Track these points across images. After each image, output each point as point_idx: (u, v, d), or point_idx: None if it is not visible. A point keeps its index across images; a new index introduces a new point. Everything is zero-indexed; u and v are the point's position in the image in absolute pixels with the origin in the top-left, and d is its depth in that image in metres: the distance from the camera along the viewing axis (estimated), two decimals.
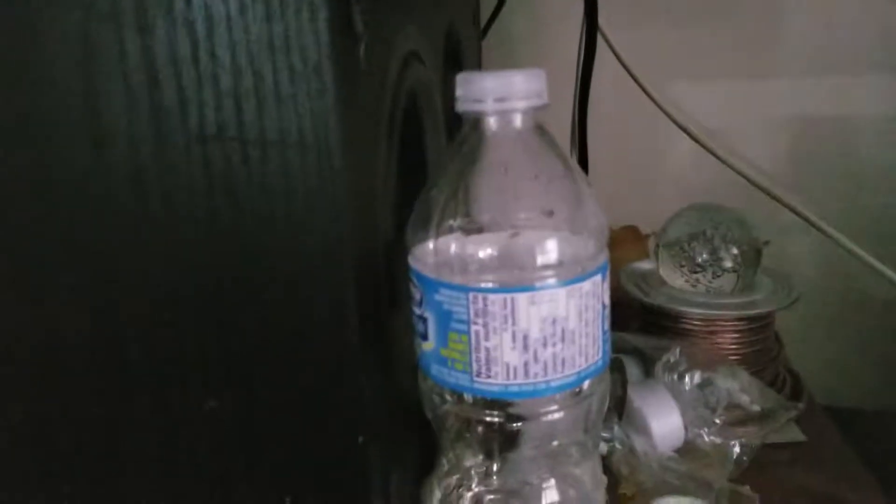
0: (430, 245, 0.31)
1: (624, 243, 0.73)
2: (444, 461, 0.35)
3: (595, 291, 0.30)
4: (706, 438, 0.49)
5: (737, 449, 0.47)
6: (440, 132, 0.48)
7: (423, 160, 0.44)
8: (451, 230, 0.31)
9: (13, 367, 0.33)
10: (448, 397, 0.32)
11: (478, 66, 0.75)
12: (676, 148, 0.83)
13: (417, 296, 0.32)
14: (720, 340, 0.55)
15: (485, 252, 0.30)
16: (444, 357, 0.31)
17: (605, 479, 0.36)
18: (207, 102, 0.28)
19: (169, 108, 0.29)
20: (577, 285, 0.29)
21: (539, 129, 0.31)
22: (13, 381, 0.34)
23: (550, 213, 0.30)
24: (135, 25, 0.28)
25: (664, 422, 0.48)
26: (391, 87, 0.36)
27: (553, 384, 0.30)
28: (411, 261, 0.32)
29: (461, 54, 0.60)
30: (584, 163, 0.77)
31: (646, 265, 0.64)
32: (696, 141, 0.74)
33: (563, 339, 0.30)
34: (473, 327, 0.30)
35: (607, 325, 0.31)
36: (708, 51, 0.82)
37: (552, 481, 0.33)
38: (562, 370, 0.30)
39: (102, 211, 0.30)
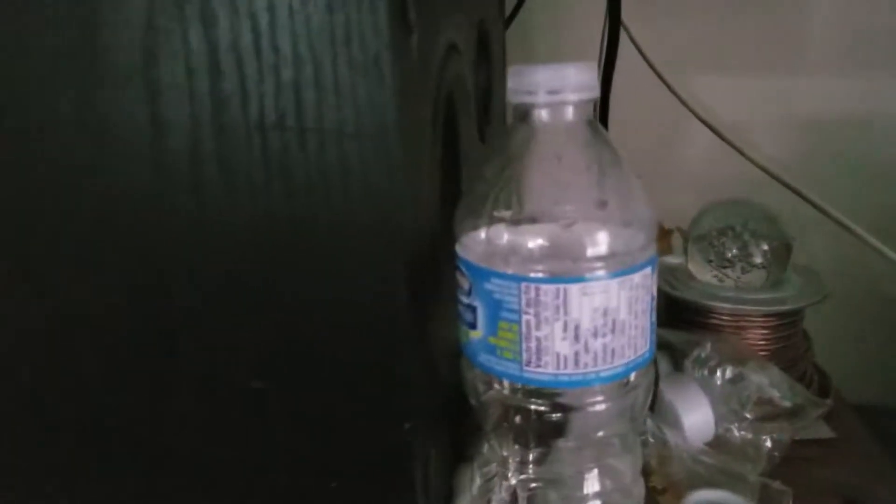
0: (481, 234, 0.31)
1: None
2: (485, 449, 0.36)
3: (644, 283, 0.30)
4: (736, 433, 0.49)
5: (768, 444, 0.47)
6: (472, 122, 0.48)
7: (458, 149, 0.45)
8: (502, 220, 0.31)
9: (68, 341, 0.34)
10: (495, 385, 0.33)
11: (503, 59, 0.75)
12: (699, 143, 0.82)
13: (466, 285, 0.32)
14: (749, 336, 0.56)
15: (537, 242, 0.30)
16: (492, 345, 0.31)
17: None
18: (268, 92, 0.29)
19: (230, 98, 0.29)
20: (628, 277, 0.30)
21: (590, 122, 0.31)
22: (68, 356, 0.34)
23: (603, 205, 0.30)
24: (198, 15, 0.28)
25: (695, 415, 0.48)
26: (436, 77, 0.36)
27: (603, 375, 0.30)
28: (460, 250, 0.32)
29: (490, 47, 0.60)
30: None
31: (673, 260, 0.64)
32: (719, 136, 0.74)
33: (613, 331, 0.30)
34: (524, 317, 0.30)
35: (654, 317, 0.32)
36: (731, 46, 0.82)
37: (594, 472, 0.33)
38: (611, 361, 0.30)
39: (162, 195, 0.31)
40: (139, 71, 0.29)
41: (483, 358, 0.32)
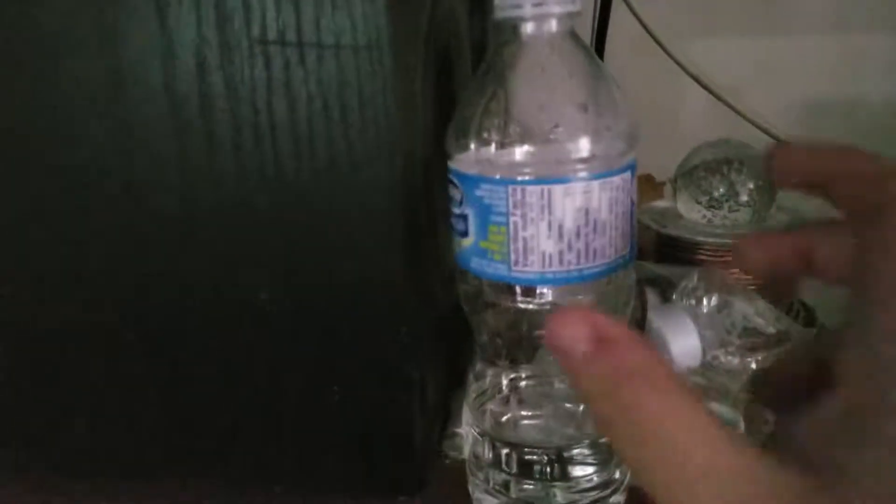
0: (472, 146, 0.33)
1: (640, 191, 0.74)
2: (478, 357, 0.38)
3: (624, 186, 0.32)
4: (723, 359, 0.50)
5: (753, 366, 0.48)
6: (466, 63, 0.50)
7: (452, 78, 0.46)
8: (491, 130, 0.33)
9: (82, 275, 0.36)
10: (486, 288, 0.35)
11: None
12: (692, 103, 0.84)
13: (458, 196, 0.34)
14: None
15: (523, 147, 0.32)
16: (483, 249, 0.33)
17: None
18: (269, 8, 0.31)
19: (233, 14, 0.31)
20: (609, 179, 0.31)
21: (573, 35, 0.33)
22: (85, 287, 0.37)
23: (584, 108, 0.32)
24: None
25: (682, 341, 0.49)
26: (428, 4, 0.38)
27: (585, 272, 0.32)
28: (452, 164, 0.34)
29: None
30: None
31: (662, 203, 0.66)
32: (712, 93, 0.75)
33: (595, 230, 0.32)
34: (512, 218, 0.32)
35: (635, 222, 0.33)
36: (726, 5, 0.83)
37: None
38: (593, 259, 0.32)
39: (174, 112, 0.33)
40: None
41: (475, 263, 0.34)
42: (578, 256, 0.32)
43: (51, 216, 0.36)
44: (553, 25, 0.32)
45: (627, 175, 0.32)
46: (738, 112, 0.75)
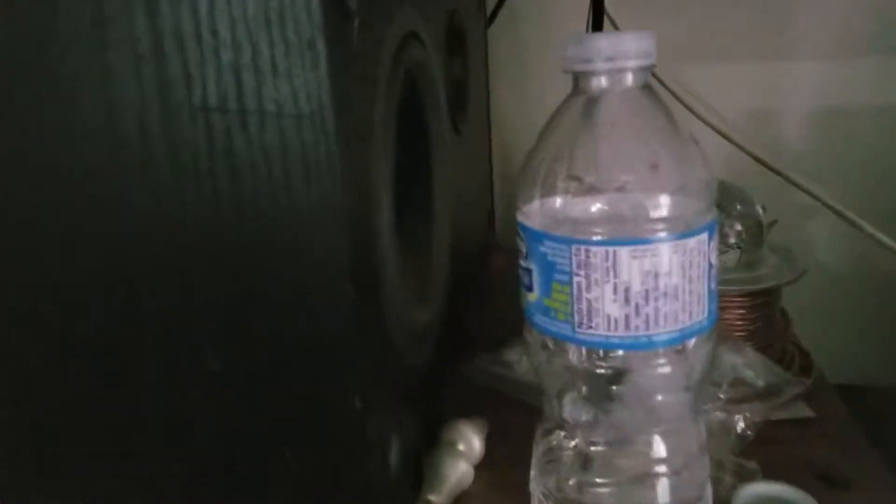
0: (537, 199, 0.32)
1: None
2: (546, 415, 0.36)
3: (700, 248, 0.31)
4: (709, 414, 0.49)
5: (741, 424, 0.47)
6: (442, 111, 0.49)
7: (426, 137, 0.46)
8: (556, 185, 0.31)
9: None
10: (551, 346, 0.33)
11: (483, 52, 0.75)
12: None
13: (523, 249, 0.33)
14: (726, 316, 0.57)
15: (589, 205, 0.31)
16: (546, 306, 0.32)
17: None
18: (210, 76, 0.29)
19: (174, 81, 0.30)
20: (681, 241, 0.30)
21: (647, 89, 0.32)
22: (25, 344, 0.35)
23: (655, 167, 0.31)
24: (143, 2, 0.29)
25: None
26: (387, 63, 0.37)
27: (655, 339, 0.31)
28: (519, 216, 0.33)
29: (465, 39, 0.61)
30: None
31: None
32: (706, 123, 0.75)
33: (665, 295, 0.31)
34: (576, 278, 0.31)
35: (714, 285, 0.32)
36: (718, 34, 0.82)
37: (656, 437, 0.34)
38: (664, 325, 0.31)
39: (114, 171, 0.31)
40: (93, 54, 0.30)
41: (538, 319, 0.32)
42: (647, 321, 0.31)
43: None
44: (627, 80, 0.31)
45: (704, 236, 0.31)
46: (731, 141, 0.74)
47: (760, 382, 0.53)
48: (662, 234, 0.30)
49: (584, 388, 0.33)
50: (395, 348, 0.37)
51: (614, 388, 0.33)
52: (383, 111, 0.35)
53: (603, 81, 0.31)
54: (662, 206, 0.30)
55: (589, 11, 0.76)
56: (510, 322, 0.41)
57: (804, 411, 0.52)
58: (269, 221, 0.31)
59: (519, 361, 0.54)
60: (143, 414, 0.35)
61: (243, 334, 0.32)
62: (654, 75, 0.74)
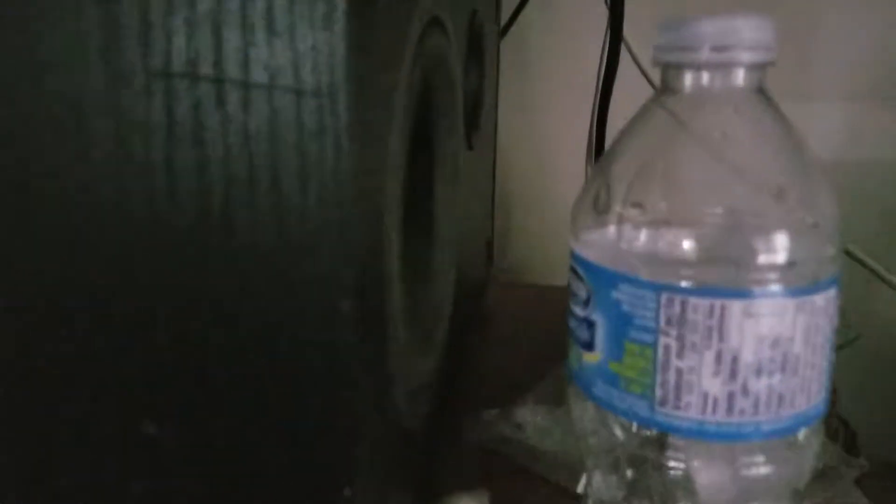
0: (611, 229, 0.24)
1: None
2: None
3: (827, 308, 0.23)
4: None
5: None
6: (458, 118, 0.40)
7: (435, 149, 0.37)
8: (643, 209, 0.23)
9: None
10: (615, 427, 0.25)
11: (496, 66, 0.68)
12: None
13: (583, 292, 0.24)
14: None
15: (688, 241, 0.23)
16: (614, 374, 0.23)
17: None
18: (177, 29, 0.20)
19: (126, 35, 0.20)
20: (809, 298, 0.22)
21: (762, 94, 0.24)
22: None
23: (780, 194, 0.23)
24: None
25: (711, 475, 0.41)
26: (412, 46, 0.27)
27: (765, 427, 0.23)
28: (578, 248, 0.24)
29: (482, 47, 0.53)
30: None
31: None
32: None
33: (783, 368, 0.22)
34: (663, 339, 0.22)
35: (833, 356, 0.24)
36: None
37: None
38: (777, 410, 0.23)
39: (38, 160, 0.21)
40: None
41: (600, 389, 0.24)
42: (756, 404, 0.22)
43: None
44: (738, 78, 0.23)
45: (832, 292, 0.23)
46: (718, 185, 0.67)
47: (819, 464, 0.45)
48: (788, 286, 0.22)
49: (649, 482, 0.25)
50: (396, 410, 0.28)
51: (693, 484, 0.24)
52: (404, 104, 0.26)
53: (705, 78, 0.23)
54: (787, 247, 0.22)
55: (605, 38, 0.69)
56: (515, 372, 0.37)
57: (859, 498, 0.45)
58: (246, 238, 0.21)
59: (530, 423, 0.46)
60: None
61: (195, 392, 0.22)
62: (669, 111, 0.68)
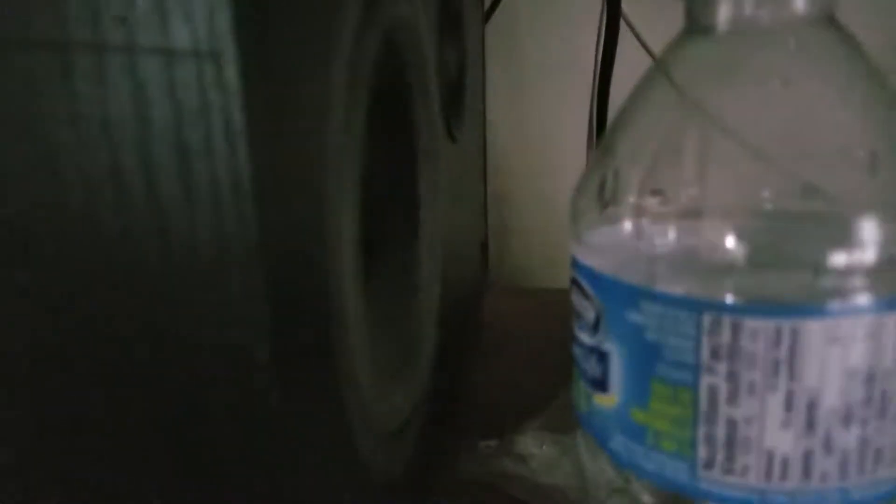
0: (625, 225, 0.17)
1: None
2: None
3: None
4: None
5: None
6: (432, 102, 0.33)
7: (411, 140, 0.30)
8: (664, 199, 0.16)
9: None
10: (641, 494, 0.18)
11: (480, 49, 0.61)
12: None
13: (590, 313, 0.17)
14: None
15: (737, 236, 0.16)
16: (639, 425, 0.17)
17: None
18: None
19: None
20: None
21: (836, 25, 0.17)
22: None
23: (872, 164, 0.16)
24: None
25: None
26: (353, 12, 0.21)
27: (854, 496, 0.16)
28: (581, 253, 0.18)
29: (461, 25, 0.46)
30: None
31: None
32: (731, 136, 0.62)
33: (881, 414, 0.16)
34: (707, 378, 0.16)
35: None
36: None
37: None
38: (873, 470, 0.16)
39: None
40: None
41: (618, 443, 0.17)
42: (844, 464, 0.16)
43: None
44: (798, 4, 0.17)
45: None
46: (758, 155, 0.61)
47: None
48: (881, 298, 0.15)
49: None
50: (365, 466, 0.22)
51: None
52: (346, 78, 0.19)
53: (749, 6, 0.16)
54: (883, 240, 0.15)
55: (602, 12, 0.63)
56: (517, 392, 0.33)
57: None
58: (127, 252, 0.14)
59: (535, 454, 0.39)
60: None
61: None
62: (672, 82, 0.62)
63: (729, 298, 0.16)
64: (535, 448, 0.38)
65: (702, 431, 0.16)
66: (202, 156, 0.14)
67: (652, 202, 0.17)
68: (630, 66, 0.62)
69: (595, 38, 0.65)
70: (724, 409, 0.16)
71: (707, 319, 0.16)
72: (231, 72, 0.14)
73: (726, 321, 0.16)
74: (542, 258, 0.70)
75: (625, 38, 0.63)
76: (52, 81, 0.14)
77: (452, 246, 0.42)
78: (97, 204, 0.14)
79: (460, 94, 0.45)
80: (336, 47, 0.18)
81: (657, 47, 0.60)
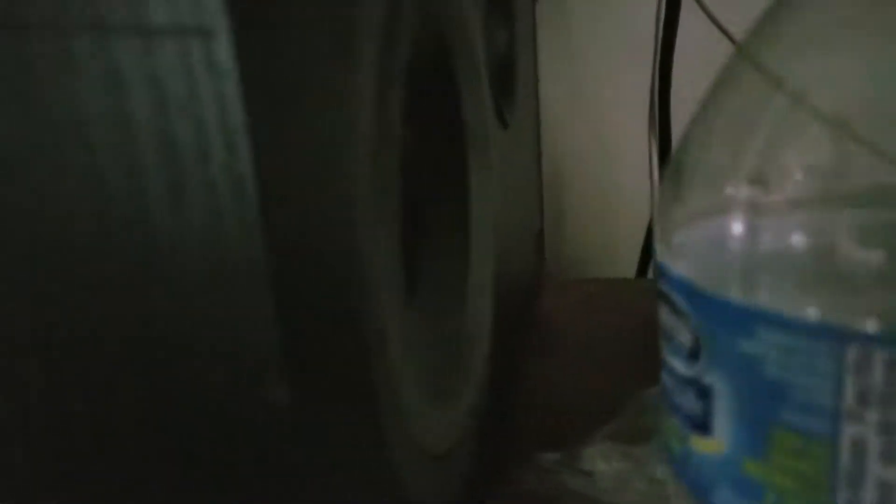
0: (735, 226, 0.13)
1: None
2: None
3: None
4: None
5: None
6: (480, 84, 0.30)
7: (459, 127, 0.27)
8: (765, 188, 0.13)
9: None
10: None
11: (532, 27, 0.58)
12: None
13: (685, 337, 0.14)
14: None
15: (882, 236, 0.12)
16: (754, 481, 0.13)
17: None
18: None
19: None
20: None
21: None
22: None
23: None
24: None
25: None
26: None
27: None
28: (669, 258, 0.14)
29: (511, 2, 0.43)
30: (665, 136, 0.61)
31: None
32: (815, 113, 0.58)
33: None
34: (851, 427, 0.12)
35: None
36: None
37: None
38: None
39: None
40: None
41: (725, 499, 0.14)
42: None
43: None
44: None
45: None
46: (832, 125, 0.57)
47: None
48: None
49: None
50: (414, 494, 0.19)
51: None
52: (376, 56, 0.16)
53: None
54: None
55: None
56: (581, 397, 0.30)
57: None
58: (109, 267, 0.12)
59: (602, 470, 0.36)
60: None
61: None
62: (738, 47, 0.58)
63: (867, 328, 0.12)
64: (603, 463, 0.35)
65: (843, 496, 0.13)
66: (193, 153, 0.11)
67: (756, 192, 0.14)
68: (693, 36, 0.58)
69: (654, 8, 0.61)
70: (873, 469, 0.12)
71: (852, 354, 0.12)
72: (222, 50, 0.11)
73: (878, 356, 0.12)
74: (603, 245, 0.67)
75: (687, 4, 0.60)
76: (8, 70, 0.11)
77: (507, 240, 0.38)
78: (77, 208, 0.12)
79: (511, 77, 0.42)
80: (361, 17, 0.15)
81: (723, 16, 0.55)
